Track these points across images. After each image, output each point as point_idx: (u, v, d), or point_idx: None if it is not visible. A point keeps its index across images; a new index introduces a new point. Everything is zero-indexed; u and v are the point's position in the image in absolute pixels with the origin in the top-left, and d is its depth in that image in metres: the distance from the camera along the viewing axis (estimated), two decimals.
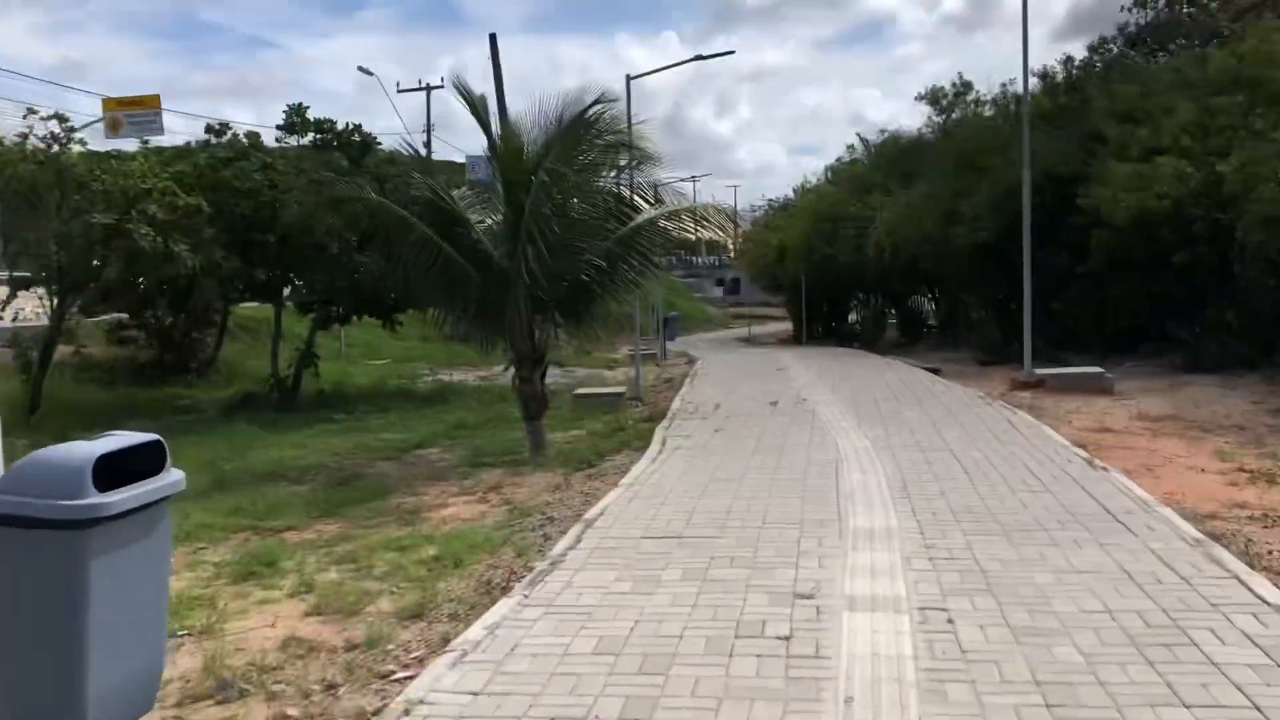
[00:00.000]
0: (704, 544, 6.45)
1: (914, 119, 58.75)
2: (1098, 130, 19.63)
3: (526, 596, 5.51)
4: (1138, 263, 18.01)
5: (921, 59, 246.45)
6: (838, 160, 44.33)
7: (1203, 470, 9.21)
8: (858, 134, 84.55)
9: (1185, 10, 26.69)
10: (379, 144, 23.12)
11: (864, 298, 39.60)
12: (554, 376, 25.96)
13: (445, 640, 5.02)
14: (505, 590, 5.81)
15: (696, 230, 14.44)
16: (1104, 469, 8.47)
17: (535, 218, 11.81)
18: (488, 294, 12.39)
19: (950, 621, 4.85)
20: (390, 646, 5.07)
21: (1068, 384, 14.46)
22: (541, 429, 12.83)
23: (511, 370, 13.08)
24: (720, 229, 13.68)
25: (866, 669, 4.28)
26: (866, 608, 5.10)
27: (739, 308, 62.18)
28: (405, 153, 18.20)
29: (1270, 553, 6.38)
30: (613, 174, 13.45)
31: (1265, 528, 7.15)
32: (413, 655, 4.95)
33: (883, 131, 38.15)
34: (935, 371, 18.77)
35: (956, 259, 23.61)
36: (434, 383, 24.05)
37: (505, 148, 12.88)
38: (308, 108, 23.65)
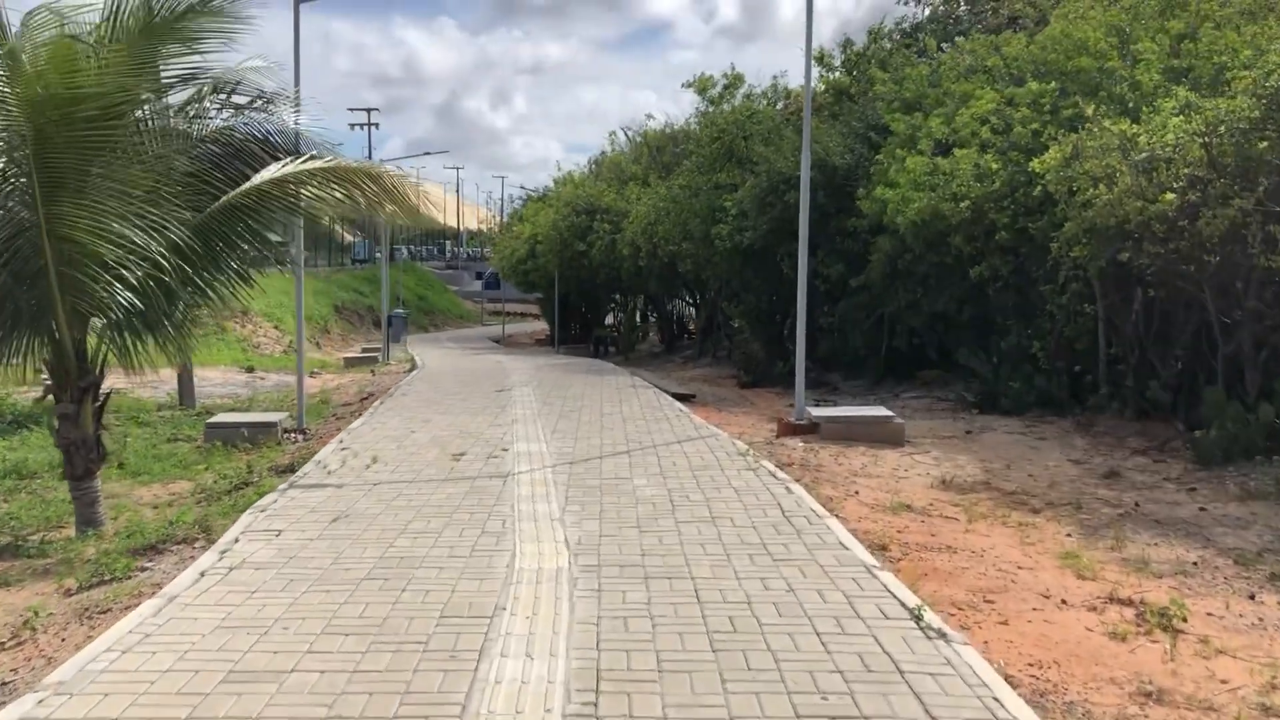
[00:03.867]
0: None
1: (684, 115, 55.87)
2: (880, 121, 16.79)
3: None
4: (922, 275, 15.26)
5: (697, 65, 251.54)
6: (601, 153, 41.09)
7: (1063, 602, 6.04)
8: (620, 128, 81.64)
9: (961, 6, 24.78)
10: None
11: (620, 299, 36.54)
12: (234, 385, 21.06)
13: None
14: None
15: (372, 203, 9.99)
16: (941, 635, 4.99)
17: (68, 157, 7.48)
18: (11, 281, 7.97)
19: None
20: None
21: (848, 430, 11.14)
22: (93, 494, 8.42)
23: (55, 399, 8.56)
24: (392, 199, 9.30)
25: None
26: None
27: (497, 304, 58.42)
28: None
29: None
30: (226, 115, 9.10)
31: None
32: None
33: (649, 117, 35.06)
34: (687, 399, 15.35)
35: (718, 262, 20.50)
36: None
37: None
38: None
